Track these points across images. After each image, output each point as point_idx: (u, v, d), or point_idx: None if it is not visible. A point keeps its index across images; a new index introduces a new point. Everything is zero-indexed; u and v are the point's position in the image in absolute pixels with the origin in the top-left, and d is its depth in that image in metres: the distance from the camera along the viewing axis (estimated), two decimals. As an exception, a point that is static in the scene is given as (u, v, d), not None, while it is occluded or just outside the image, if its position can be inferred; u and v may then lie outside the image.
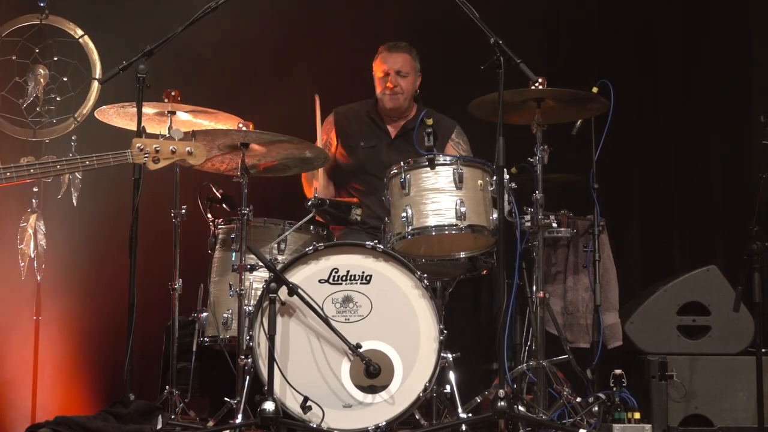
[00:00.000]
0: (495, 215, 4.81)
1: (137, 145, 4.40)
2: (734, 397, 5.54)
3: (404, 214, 4.83)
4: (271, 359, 4.45)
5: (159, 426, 4.57)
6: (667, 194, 6.81)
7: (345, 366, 4.61)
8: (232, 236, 5.11)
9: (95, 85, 6.32)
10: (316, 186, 5.44)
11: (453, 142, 5.74)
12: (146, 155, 4.38)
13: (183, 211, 5.32)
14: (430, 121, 4.97)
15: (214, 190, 5.32)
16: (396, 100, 5.72)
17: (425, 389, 4.58)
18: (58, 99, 6.33)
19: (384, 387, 4.58)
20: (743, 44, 6.78)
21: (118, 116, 5.31)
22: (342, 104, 5.95)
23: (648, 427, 4.52)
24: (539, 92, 5.06)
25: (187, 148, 4.44)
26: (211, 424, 4.91)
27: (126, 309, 4.64)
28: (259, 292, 4.78)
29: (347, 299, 4.67)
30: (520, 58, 4.57)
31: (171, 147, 4.41)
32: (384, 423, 4.52)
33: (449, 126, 5.76)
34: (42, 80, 6.32)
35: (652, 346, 5.69)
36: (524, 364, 5.03)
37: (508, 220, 4.83)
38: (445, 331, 4.62)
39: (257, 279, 5.02)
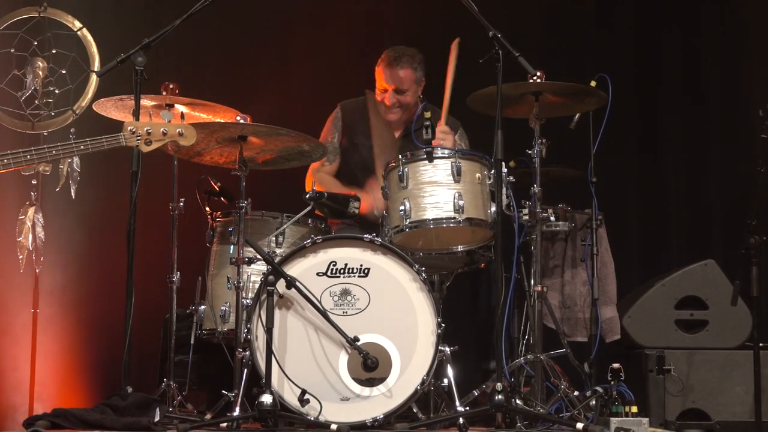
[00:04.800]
0: (493, 209, 4.81)
1: (129, 128, 4.41)
2: (731, 391, 5.56)
3: (402, 208, 4.84)
4: (269, 352, 4.45)
5: (157, 419, 4.56)
6: (665, 188, 6.82)
7: (343, 359, 4.61)
8: (230, 229, 5.11)
9: (93, 77, 6.32)
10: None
11: (454, 140, 5.71)
12: (138, 137, 4.40)
13: (181, 204, 5.32)
14: (428, 114, 4.97)
15: (213, 183, 5.31)
16: (395, 114, 5.69)
17: (423, 382, 4.58)
18: (56, 92, 6.33)
19: (382, 380, 4.59)
20: (742, 37, 6.78)
21: (116, 109, 5.30)
22: (342, 97, 5.93)
23: (645, 420, 4.51)
24: (537, 86, 5.06)
25: (178, 129, 4.45)
26: (208, 417, 4.91)
27: (124, 302, 4.64)
28: (257, 285, 4.78)
29: (345, 292, 4.67)
30: (519, 51, 4.57)
31: (162, 129, 4.43)
32: (381, 416, 4.53)
33: (452, 126, 5.69)
34: (40, 73, 6.31)
35: (649, 340, 5.70)
36: (522, 358, 5.03)
37: (506, 214, 4.83)
38: (443, 325, 4.63)
39: (255, 272, 5.02)
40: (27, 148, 4.36)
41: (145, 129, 4.41)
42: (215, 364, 5.48)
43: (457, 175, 4.84)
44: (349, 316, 4.65)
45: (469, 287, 5.50)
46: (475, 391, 4.96)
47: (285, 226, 5.10)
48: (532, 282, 5.07)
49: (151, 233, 5.43)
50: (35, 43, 6.33)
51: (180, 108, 5.17)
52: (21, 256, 6.12)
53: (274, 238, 5.06)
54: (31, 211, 6.14)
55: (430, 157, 4.87)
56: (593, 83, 5.20)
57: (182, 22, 4.82)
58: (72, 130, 5.26)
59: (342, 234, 5.11)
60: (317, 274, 4.69)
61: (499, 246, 4.70)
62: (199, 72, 6.37)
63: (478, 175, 4.90)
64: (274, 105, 6.15)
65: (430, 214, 4.84)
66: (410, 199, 4.85)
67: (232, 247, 5.04)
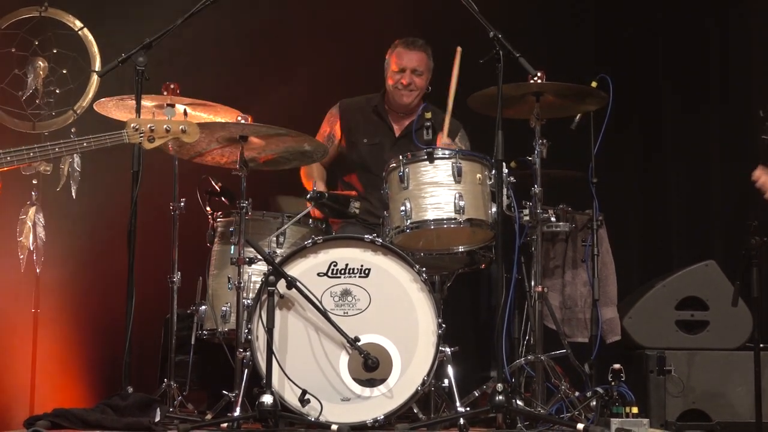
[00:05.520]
0: (494, 209, 4.82)
1: (132, 125, 4.41)
2: (732, 392, 5.56)
3: (403, 208, 4.83)
4: (270, 352, 4.45)
5: (157, 419, 4.57)
6: (666, 189, 6.81)
7: (343, 359, 4.61)
8: (231, 229, 5.11)
9: (94, 77, 6.32)
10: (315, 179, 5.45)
11: (455, 145, 5.70)
12: (141, 135, 4.40)
13: (182, 204, 5.32)
14: (428, 115, 4.97)
15: (213, 183, 5.32)
16: (409, 96, 5.70)
17: (423, 383, 4.58)
18: (57, 91, 6.33)
19: (382, 380, 4.59)
20: (743, 38, 6.78)
21: (117, 109, 5.30)
22: (342, 97, 5.93)
23: (646, 421, 4.51)
24: (538, 86, 5.06)
25: (181, 127, 4.45)
26: (209, 417, 4.91)
27: (125, 302, 4.64)
28: (257, 286, 4.78)
29: (346, 293, 4.67)
30: (519, 51, 4.57)
31: (165, 126, 4.43)
32: (382, 416, 4.53)
33: (454, 128, 5.68)
34: (41, 73, 6.32)
35: (650, 340, 5.70)
36: (522, 359, 5.03)
37: (506, 215, 4.83)
38: (444, 325, 4.63)
39: (256, 272, 5.02)
40: (30, 146, 4.36)
41: (148, 126, 4.40)
42: (216, 365, 5.47)
43: (457, 175, 4.84)
44: (349, 316, 4.65)
45: (470, 288, 5.50)
46: (475, 392, 4.96)
47: (286, 226, 5.10)
48: (532, 283, 5.08)
49: (151, 233, 5.42)
50: (36, 42, 6.34)
51: (182, 106, 5.17)
52: (22, 256, 6.12)
53: (274, 239, 5.07)
54: (31, 211, 6.14)
55: (431, 158, 4.87)
56: (594, 84, 5.20)
57: (183, 22, 4.82)
58: (72, 130, 5.28)
59: (343, 234, 5.11)
60: (318, 274, 4.69)
61: (500, 247, 4.70)
62: (200, 72, 6.37)
63: (478, 175, 4.90)
64: (275, 105, 6.15)
65: (430, 215, 4.84)
66: (411, 199, 4.85)
67: (232, 247, 5.05)
